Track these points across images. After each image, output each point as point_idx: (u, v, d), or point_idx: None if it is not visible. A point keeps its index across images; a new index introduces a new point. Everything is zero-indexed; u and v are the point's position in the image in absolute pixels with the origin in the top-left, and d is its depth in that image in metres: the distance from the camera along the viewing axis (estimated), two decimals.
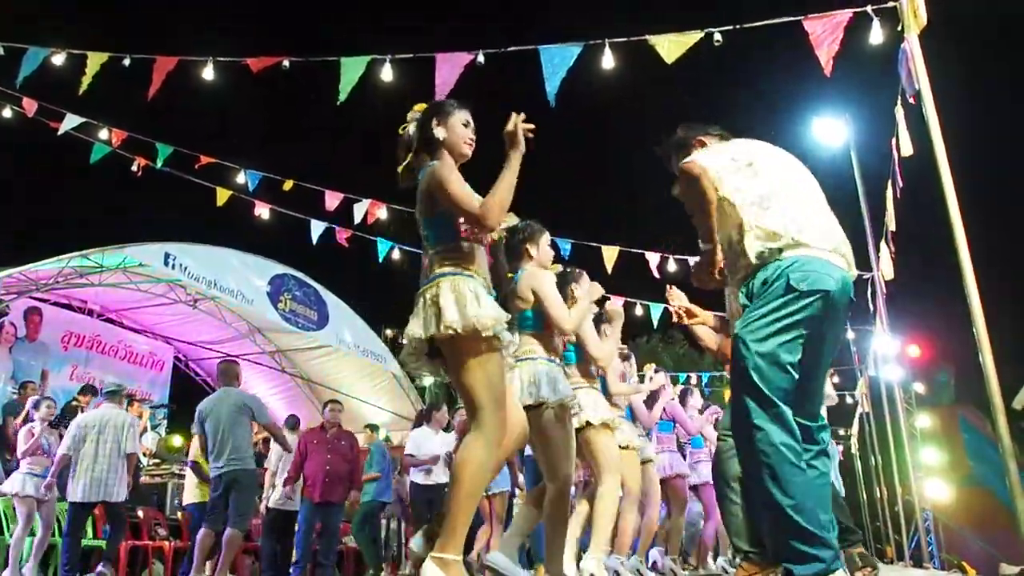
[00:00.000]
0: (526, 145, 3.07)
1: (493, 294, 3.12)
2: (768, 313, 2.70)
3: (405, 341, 3.06)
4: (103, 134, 8.97)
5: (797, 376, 2.69)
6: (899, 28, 5.26)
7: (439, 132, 3.15)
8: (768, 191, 2.88)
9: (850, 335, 13.70)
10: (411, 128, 3.27)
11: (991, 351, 4.75)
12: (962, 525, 13.31)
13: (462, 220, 3.03)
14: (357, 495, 8.33)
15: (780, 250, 2.76)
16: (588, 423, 4.49)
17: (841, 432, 18.00)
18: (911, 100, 5.59)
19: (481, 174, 3.16)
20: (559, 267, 4.74)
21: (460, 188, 2.98)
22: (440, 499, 7.76)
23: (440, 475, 7.88)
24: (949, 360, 16.59)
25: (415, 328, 2.96)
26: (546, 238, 4.22)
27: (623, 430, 5.20)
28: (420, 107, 3.29)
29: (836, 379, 15.77)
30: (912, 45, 5.24)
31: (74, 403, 9.88)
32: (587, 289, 4.67)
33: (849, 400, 16.19)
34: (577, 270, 4.84)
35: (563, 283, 4.56)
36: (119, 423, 7.14)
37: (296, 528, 7.94)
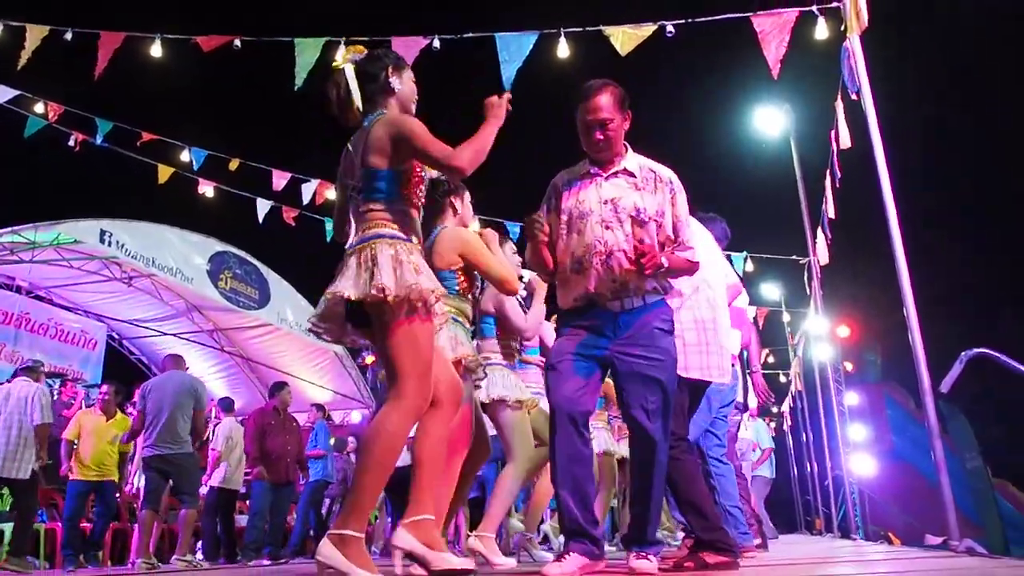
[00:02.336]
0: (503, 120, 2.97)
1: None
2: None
3: (324, 299, 2.83)
4: (39, 108, 8.75)
5: None
6: (842, 28, 5.50)
7: (395, 82, 3.03)
8: None
9: (785, 317, 14.18)
10: (349, 69, 3.05)
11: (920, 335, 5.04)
12: (886, 498, 13.97)
13: (424, 170, 2.94)
14: (306, 475, 8.48)
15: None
16: (497, 400, 4.30)
17: (774, 410, 18.62)
18: (853, 97, 5.84)
19: None
20: (476, 224, 4.58)
21: (432, 136, 2.83)
22: (399, 480, 7.85)
23: (404, 456, 7.95)
24: (876, 340, 17.30)
25: (344, 286, 2.73)
26: (468, 196, 4.02)
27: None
28: (359, 48, 3.11)
29: (771, 359, 16.35)
30: (854, 45, 5.48)
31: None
32: (507, 252, 4.49)
33: (783, 379, 16.74)
34: (489, 230, 4.48)
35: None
36: (22, 396, 6.70)
37: (248, 508, 8.04)
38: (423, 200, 3.02)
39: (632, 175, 3.17)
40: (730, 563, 3.24)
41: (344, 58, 3.06)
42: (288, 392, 8.56)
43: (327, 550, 2.57)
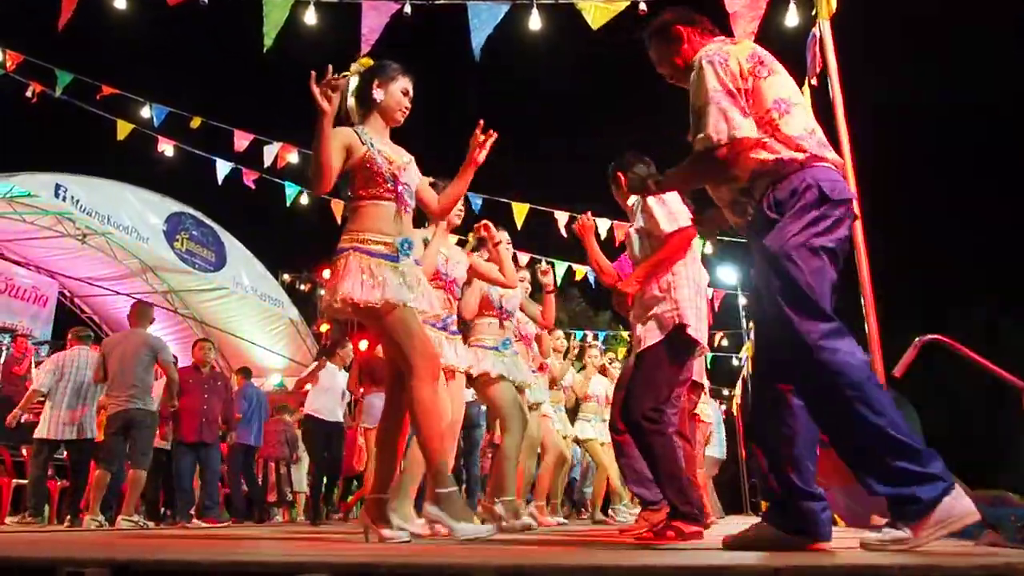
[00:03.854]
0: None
1: (407, 244, 3.17)
2: (810, 224, 2.39)
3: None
4: None
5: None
6: (813, 13, 5.54)
7: (377, 94, 3.20)
8: (788, 93, 2.60)
9: (741, 300, 14.34)
10: (353, 80, 3.25)
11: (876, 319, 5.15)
12: (829, 481, 14.27)
13: (379, 163, 3.14)
14: (234, 436, 8.30)
15: (803, 162, 2.49)
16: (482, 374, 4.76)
17: (725, 392, 18.89)
18: (813, 82, 5.90)
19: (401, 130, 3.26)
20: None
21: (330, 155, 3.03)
22: (337, 435, 7.94)
23: (338, 413, 7.96)
24: None
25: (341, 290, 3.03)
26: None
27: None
28: (366, 62, 3.29)
29: (725, 342, 16.53)
30: (823, 30, 5.53)
31: None
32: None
33: (735, 362, 16.97)
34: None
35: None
36: (84, 361, 7.15)
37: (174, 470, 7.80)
38: (388, 189, 3.13)
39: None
40: (701, 533, 3.27)
41: (354, 70, 3.27)
42: (204, 348, 8.10)
43: (433, 510, 2.99)
